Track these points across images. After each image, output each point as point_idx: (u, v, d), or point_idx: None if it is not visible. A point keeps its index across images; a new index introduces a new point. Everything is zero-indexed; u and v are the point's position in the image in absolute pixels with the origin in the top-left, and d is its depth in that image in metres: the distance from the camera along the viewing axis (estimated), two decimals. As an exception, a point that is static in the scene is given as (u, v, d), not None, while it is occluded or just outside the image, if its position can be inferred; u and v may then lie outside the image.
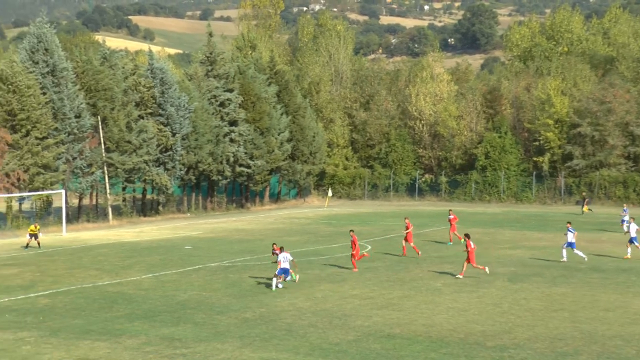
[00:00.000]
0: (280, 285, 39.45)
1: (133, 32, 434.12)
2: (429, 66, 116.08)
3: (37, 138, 69.16)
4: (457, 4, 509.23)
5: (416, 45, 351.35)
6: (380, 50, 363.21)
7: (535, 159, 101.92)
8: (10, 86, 68.47)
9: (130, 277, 43.11)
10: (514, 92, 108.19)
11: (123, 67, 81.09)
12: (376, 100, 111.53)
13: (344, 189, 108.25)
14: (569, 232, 48.56)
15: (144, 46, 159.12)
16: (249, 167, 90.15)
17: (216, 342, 28.34)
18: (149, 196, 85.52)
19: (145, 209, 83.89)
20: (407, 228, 51.46)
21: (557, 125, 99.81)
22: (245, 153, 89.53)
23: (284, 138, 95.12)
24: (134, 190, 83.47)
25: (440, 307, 34.60)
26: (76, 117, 73.30)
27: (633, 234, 50.67)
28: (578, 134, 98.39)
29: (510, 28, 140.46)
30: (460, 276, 42.19)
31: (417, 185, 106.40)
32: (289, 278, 39.97)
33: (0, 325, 31.24)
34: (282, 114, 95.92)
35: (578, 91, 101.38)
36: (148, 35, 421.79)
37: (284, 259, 39.28)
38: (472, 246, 42.40)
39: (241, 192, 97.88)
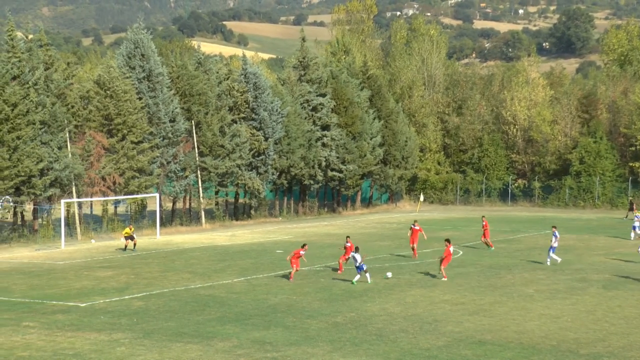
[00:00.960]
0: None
1: (227, 37, 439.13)
2: (524, 70, 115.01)
3: (132, 142, 70.13)
4: (552, 8, 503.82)
5: (510, 50, 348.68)
6: (473, 55, 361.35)
7: (631, 164, 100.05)
8: (107, 91, 69.59)
9: (222, 281, 43.52)
10: (610, 96, 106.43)
11: (217, 72, 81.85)
12: (469, 105, 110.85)
13: (435, 194, 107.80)
14: (553, 236, 48.92)
15: (238, 51, 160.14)
16: (340, 171, 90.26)
17: (306, 346, 28.45)
18: (241, 200, 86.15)
19: (238, 212, 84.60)
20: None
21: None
22: (337, 157, 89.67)
23: (376, 142, 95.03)
24: (226, 194, 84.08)
25: (532, 313, 34.25)
26: (171, 121, 74.24)
27: None
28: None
29: (607, 32, 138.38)
30: (445, 279, 43.13)
31: (509, 191, 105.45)
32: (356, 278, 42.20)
33: (95, 327, 31.82)
34: (374, 119, 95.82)
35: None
36: (242, 41, 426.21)
37: (354, 259, 42.21)
38: (451, 252, 43.93)
39: (333, 197, 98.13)
